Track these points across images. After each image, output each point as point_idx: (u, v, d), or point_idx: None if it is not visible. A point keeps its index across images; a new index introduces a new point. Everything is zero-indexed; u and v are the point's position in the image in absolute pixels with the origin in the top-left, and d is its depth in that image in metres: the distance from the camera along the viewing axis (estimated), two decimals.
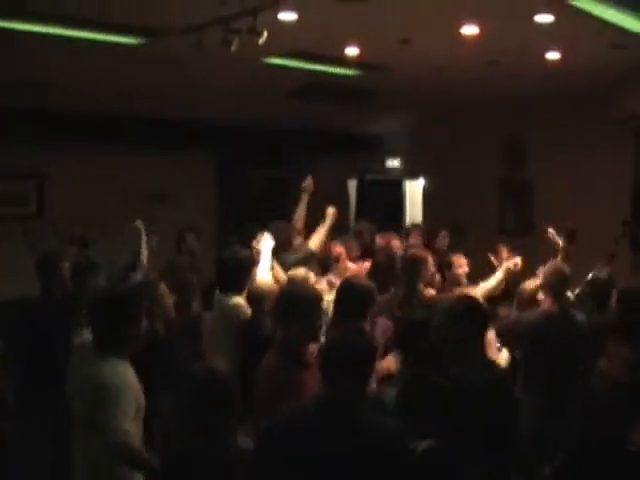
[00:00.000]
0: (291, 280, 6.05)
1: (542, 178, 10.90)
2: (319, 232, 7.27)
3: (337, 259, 7.28)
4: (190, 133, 11.32)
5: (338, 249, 7.39)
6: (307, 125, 11.83)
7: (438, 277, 7.37)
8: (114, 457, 3.93)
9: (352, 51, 7.80)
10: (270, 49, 7.46)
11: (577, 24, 6.83)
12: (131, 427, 3.90)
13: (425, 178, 12.00)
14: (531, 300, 6.06)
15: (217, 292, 5.97)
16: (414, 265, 6.65)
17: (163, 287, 5.84)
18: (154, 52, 7.63)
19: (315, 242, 7.17)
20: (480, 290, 6.52)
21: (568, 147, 10.46)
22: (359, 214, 12.10)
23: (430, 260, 6.83)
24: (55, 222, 9.42)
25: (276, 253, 6.53)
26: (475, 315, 4.21)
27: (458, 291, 6.53)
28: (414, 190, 12.30)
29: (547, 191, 10.72)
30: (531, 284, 6.27)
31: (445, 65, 8.50)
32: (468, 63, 8.38)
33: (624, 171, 9.94)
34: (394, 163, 12.47)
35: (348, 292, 5.21)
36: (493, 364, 4.41)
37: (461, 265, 7.57)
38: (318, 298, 4.72)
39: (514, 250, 7.96)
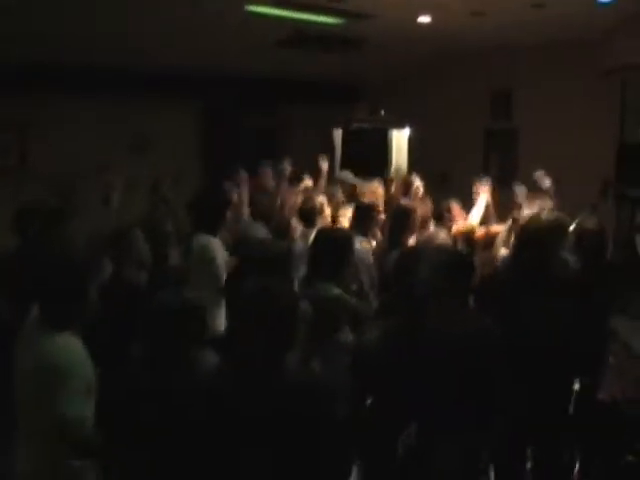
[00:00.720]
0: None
1: (527, 128, 10.88)
2: (320, 185, 7.36)
3: (321, 210, 7.28)
4: (176, 82, 11.24)
5: (321, 199, 7.39)
6: (292, 75, 11.76)
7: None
8: (61, 446, 3.56)
9: None
10: None
11: None
12: (82, 409, 3.56)
13: (411, 127, 11.95)
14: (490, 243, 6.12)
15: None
16: (400, 217, 6.69)
17: (138, 232, 5.73)
18: None
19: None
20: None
21: (554, 98, 10.43)
22: (344, 163, 12.05)
23: (417, 211, 6.88)
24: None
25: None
26: (459, 267, 4.20)
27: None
28: (400, 139, 12.25)
29: (532, 141, 10.70)
30: (497, 228, 6.31)
31: (429, 12, 8.45)
32: (453, 11, 8.32)
33: (610, 122, 9.91)
34: (380, 112, 12.39)
35: (322, 243, 5.19)
36: (478, 316, 4.37)
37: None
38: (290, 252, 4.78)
39: (498, 197, 8.05)
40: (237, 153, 11.31)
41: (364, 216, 6.75)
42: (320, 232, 5.56)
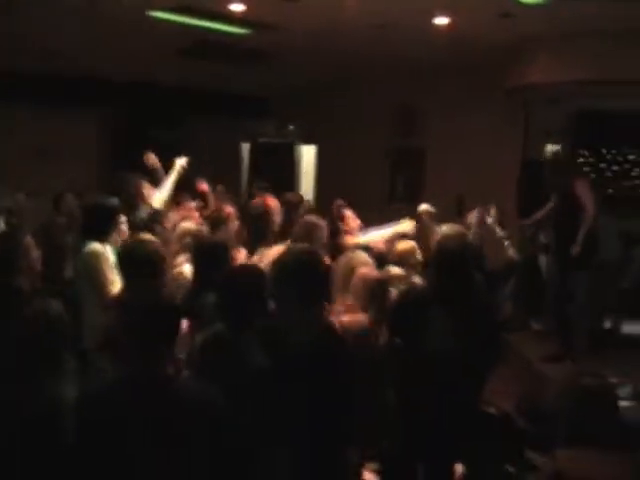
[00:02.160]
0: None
1: (433, 146, 10.97)
2: (165, 186, 7.05)
3: (226, 220, 7.17)
4: (79, 90, 11.01)
5: (228, 210, 7.28)
6: (199, 86, 11.65)
7: None
8: None
9: (237, 7, 7.68)
10: (156, 2, 7.31)
11: None
12: None
13: (318, 143, 11.95)
14: (401, 261, 6.06)
15: None
16: (305, 230, 6.60)
17: (29, 239, 5.56)
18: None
19: (160, 198, 6.97)
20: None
21: (459, 116, 10.55)
22: (252, 178, 11.97)
23: (324, 227, 6.76)
24: None
25: (127, 208, 6.34)
26: (294, 275, 3.97)
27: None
28: (307, 155, 12.24)
29: (438, 159, 10.80)
30: (405, 245, 6.26)
31: (334, 26, 8.43)
32: (356, 25, 8.33)
33: (513, 140, 10.08)
34: (288, 127, 12.36)
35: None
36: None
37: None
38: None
39: (404, 217, 8.00)
40: (141, 165, 11.08)
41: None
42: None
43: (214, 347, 3.79)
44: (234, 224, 7.10)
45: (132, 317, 3.17)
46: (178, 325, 3.30)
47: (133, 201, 6.59)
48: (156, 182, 6.97)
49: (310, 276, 3.81)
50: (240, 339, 3.71)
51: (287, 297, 3.73)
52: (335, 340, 3.84)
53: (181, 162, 7.18)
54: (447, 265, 4.69)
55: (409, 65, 10.34)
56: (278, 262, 3.94)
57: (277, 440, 3.55)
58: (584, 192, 7.50)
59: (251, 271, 4.24)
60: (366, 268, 5.25)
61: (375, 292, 4.88)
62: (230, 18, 8.23)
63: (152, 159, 7.28)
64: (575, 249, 7.32)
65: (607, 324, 8.89)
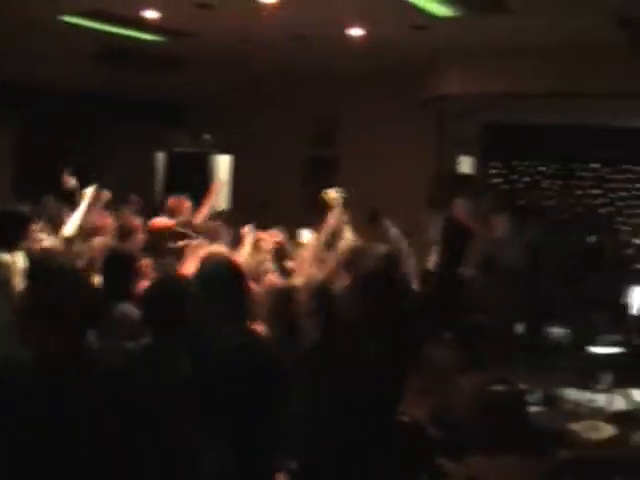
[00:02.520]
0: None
1: (349, 156, 11.02)
2: (74, 217, 6.94)
3: (133, 231, 7.07)
4: None
5: (135, 221, 7.18)
6: (113, 93, 11.46)
7: None
8: None
9: (151, 14, 7.60)
10: (66, 7, 7.19)
11: (378, 1, 6.93)
12: None
13: (234, 153, 11.90)
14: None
15: None
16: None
17: None
18: None
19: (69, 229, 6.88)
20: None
21: (375, 126, 10.63)
22: (168, 188, 11.84)
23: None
24: None
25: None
26: (217, 283, 3.96)
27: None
28: (223, 165, 12.18)
29: (353, 169, 10.84)
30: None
31: (250, 36, 8.41)
32: (273, 35, 8.32)
33: (428, 151, 10.20)
34: (203, 137, 12.27)
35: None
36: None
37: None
38: None
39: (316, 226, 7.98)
40: (53, 172, 10.87)
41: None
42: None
43: (142, 358, 3.73)
44: (140, 236, 7.02)
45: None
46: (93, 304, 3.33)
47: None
48: (74, 204, 6.84)
49: (233, 285, 3.84)
50: (166, 349, 3.66)
51: (211, 306, 3.74)
52: (261, 347, 3.85)
53: (91, 191, 7.02)
54: (373, 284, 4.73)
55: (326, 75, 10.38)
56: (201, 272, 3.93)
57: (203, 445, 3.53)
58: (461, 214, 7.64)
59: (175, 281, 4.19)
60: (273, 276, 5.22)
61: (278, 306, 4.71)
62: (144, 25, 8.13)
63: (70, 181, 7.13)
64: (465, 271, 7.44)
65: (519, 330, 9.03)
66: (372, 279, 4.72)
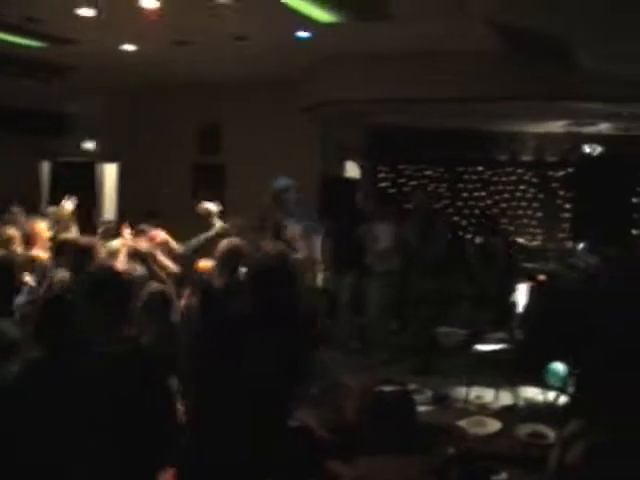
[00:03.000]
0: None
1: (234, 163, 11.02)
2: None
3: (9, 242, 6.91)
4: None
5: (12, 232, 7.02)
6: None
7: None
8: None
9: (33, 20, 7.47)
10: None
11: (260, 6, 6.94)
12: None
13: (121, 160, 11.76)
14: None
15: None
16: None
17: None
18: None
19: None
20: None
21: (260, 133, 10.66)
22: (53, 198, 11.59)
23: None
24: None
25: None
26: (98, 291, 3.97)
27: None
28: (110, 173, 12.02)
29: (239, 176, 10.84)
30: (207, 264, 6.24)
31: (134, 42, 8.33)
32: (157, 41, 8.26)
33: (312, 157, 10.29)
34: (89, 145, 12.07)
35: None
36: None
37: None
38: None
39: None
40: None
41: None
42: None
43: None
44: (17, 247, 6.87)
45: None
46: None
47: None
48: None
49: (114, 292, 3.84)
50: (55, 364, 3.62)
51: (92, 312, 3.73)
52: (136, 354, 3.83)
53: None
54: (266, 282, 4.72)
55: (212, 82, 10.36)
56: (83, 279, 3.91)
57: (76, 456, 3.48)
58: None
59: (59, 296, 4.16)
60: None
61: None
62: (25, 31, 7.95)
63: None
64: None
65: (410, 331, 9.18)
66: (262, 276, 4.74)
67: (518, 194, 12.66)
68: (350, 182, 10.61)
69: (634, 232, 11.34)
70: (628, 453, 3.95)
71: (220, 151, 11.36)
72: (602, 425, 4.07)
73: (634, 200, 11.44)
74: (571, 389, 6.97)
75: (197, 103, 11.11)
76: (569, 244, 10.94)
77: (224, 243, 5.99)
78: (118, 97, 11.42)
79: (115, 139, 11.58)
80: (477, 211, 12.74)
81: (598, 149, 10.80)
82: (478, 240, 12.38)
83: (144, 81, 10.46)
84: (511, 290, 10.33)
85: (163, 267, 6.44)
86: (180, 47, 8.47)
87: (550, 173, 12.48)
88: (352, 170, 11.83)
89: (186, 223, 8.79)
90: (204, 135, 11.51)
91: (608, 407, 4.30)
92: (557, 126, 10.73)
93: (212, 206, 7.06)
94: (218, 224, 6.96)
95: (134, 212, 9.06)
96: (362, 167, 11.98)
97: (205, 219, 7.90)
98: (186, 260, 6.96)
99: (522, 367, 8.35)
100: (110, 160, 11.85)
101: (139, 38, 8.19)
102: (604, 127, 10.21)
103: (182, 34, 8.00)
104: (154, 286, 5.30)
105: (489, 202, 12.76)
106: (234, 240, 6.10)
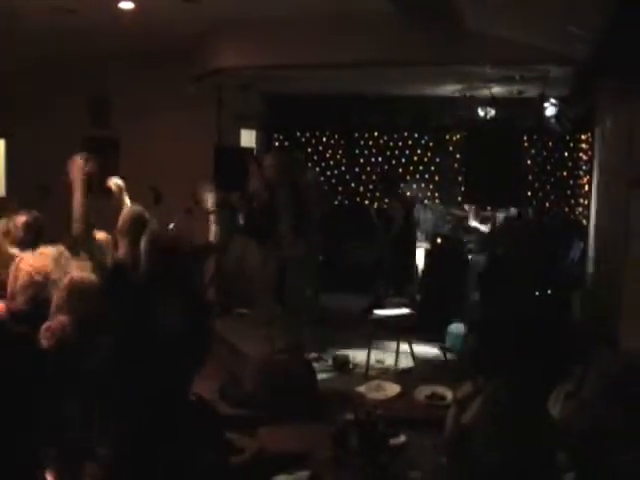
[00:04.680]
0: None
1: (127, 137, 10.86)
2: None
3: None
4: None
5: None
6: None
7: None
8: None
9: None
10: None
11: None
12: None
13: (7, 136, 11.43)
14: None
15: None
16: None
17: None
18: None
19: None
20: None
21: (152, 105, 10.51)
22: None
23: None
24: None
25: None
26: None
27: None
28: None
29: (132, 150, 10.70)
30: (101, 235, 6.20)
31: (12, 9, 8.09)
32: (39, 7, 8.03)
33: (207, 127, 10.24)
34: None
35: None
36: None
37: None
38: None
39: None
40: None
41: None
42: None
43: None
44: None
45: None
46: None
47: None
48: None
49: None
50: None
51: None
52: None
53: None
54: (159, 250, 4.77)
55: (101, 52, 10.12)
56: None
57: None
58: None
59: None
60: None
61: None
62: None
63: None
64: None
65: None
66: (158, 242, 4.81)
67: (415, 158, 12.85)
68: (244, 151, 10.56)
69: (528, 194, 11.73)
70: (523, 409, 4.14)
71: (111, 124, 11.16)
72: (498, 383, 4.25)
73: (528, 162, 11.82)
74: (466, 349, 7.23)
75: (88, 74, 10.82)
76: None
77: (127, 212, 5.92)
78: (2, 69, 11.11)
79: (6, 112, 11.26)
80: (374, 177, 12.90)
81: (492, 112, 11.03)
82: (376, 205, 12.62)
83: (30, 50, 10.16)
84: (411, 254, 10.55)
85: None
86: (66, 14, 8.26)
87: (446, 137, 12.72)
88: (249, 139, 11.82)
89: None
90: (94, 107, 11.30)
91: (503, 366, 4.48)
92: (453, 90, 10.92)
93: (120, 181, 6.98)
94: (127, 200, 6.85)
95: (24, 188, 8.92)
96: (257, 135, 11.98)
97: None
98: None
99: (421, 329, 8.60)
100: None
101: (19, 5, 7.96)
102: (498, 90, 10.43)
103: (69, 1, 7.81)
104: None
105: (386, 167, 12.91)
106: (137, 209, 6.05)
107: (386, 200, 12.14)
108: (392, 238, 10.45)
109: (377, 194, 12.90)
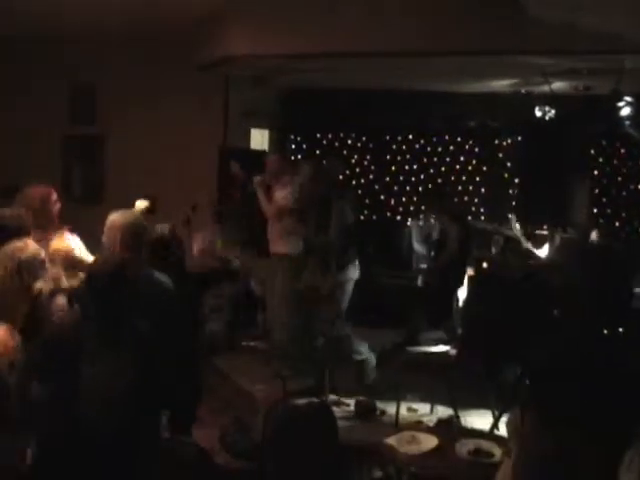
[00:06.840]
0: None
1: (116, 134, 10.86)
2: None
3: None
4: None
5: None
6: None
7: None
8: None
9: None
10: None
11: None
12: None
13: None
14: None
15: None
16: None
17: None
18: None
19: None
20: None
21: (148, 98, 10.51)
22: None
23: None
24: None
25: None
26: None
27: None
28: None
29: (122, 149, 10.70)
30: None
31: None
32: None
33: (212, 123, 10.25)
34: None
35: None
36: None
37: None
38: None
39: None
40: None
41: None
42: None
43: None
44: None
45: None
46: None
47: None
48: None
49: None
50: None
51: None
52: None
53: None
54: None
55: (86, 39, 10.16)
56: None
57: None
58: None
59: None
60: None
61: None
62: None
63: None
64: None
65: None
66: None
67: (457, 167, 12.79)
68: (255, 155, 10.54)
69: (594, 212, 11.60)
70: (572, 464, 4.08)
71: (97, 120, 11.14)
72: (547, 436, 4.19)
73: (595, 173, 11.68)
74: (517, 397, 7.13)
75: (70, 63, 10.86)
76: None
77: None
78: None
79: None
80: (409, 187, 12.84)
81: (552, 112, 10.92)
82: (421, 224, 12.46)
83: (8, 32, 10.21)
84: (462, 284, 10.34)
85: None
86: None
87: (495, 142, 12.65)
88: (260, 140, 11.82)
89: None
90: (76, 100, 11.29)
91: (553, 417, 4.41)
92: (503, 85, 10.84)
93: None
94: None
95: None
96: (270, 136, 11.96)
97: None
98: None
99: (460, 372, 8.50)
100: None
101: None
102: (559, 86, 10.34)
103: None
104: None
105: (422, 177, 12.86)
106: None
107: (431, 216, 11.95)
108: (443, 264, 10.18)
109: (412, 208, 12.84)
